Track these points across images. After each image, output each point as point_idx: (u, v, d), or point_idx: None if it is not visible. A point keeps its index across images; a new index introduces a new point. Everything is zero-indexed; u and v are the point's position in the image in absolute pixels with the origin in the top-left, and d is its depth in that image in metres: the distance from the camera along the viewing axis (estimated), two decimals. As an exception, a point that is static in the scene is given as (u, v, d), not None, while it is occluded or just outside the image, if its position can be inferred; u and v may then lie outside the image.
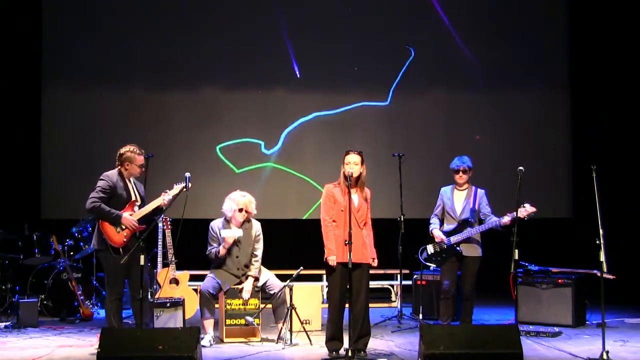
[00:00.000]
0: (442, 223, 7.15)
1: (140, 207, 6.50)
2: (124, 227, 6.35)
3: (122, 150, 6.53)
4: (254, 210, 7.16)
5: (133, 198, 6.50)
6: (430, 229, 7.15)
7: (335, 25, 10.36)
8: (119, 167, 6.53)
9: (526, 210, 6.71)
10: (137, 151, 6.53)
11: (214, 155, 10.21)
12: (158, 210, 6.52)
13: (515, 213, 6.68)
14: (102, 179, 6.44)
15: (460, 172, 7.05)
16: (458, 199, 7.09)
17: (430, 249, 7.14)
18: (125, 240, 6.35)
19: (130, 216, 6.37)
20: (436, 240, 7.07)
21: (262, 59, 10.26)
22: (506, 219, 6.80)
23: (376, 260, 6.25)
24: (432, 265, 7.43)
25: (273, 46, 10.26)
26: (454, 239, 6.96)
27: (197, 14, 10.26)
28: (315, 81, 10.32)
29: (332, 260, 6.09)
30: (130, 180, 6.56)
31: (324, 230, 6.19)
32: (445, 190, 7.20)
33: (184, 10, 10.25)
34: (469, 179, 7.13)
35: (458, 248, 6.95)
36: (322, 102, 10.34)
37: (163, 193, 6.49)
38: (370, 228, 6.30)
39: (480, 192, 7.10)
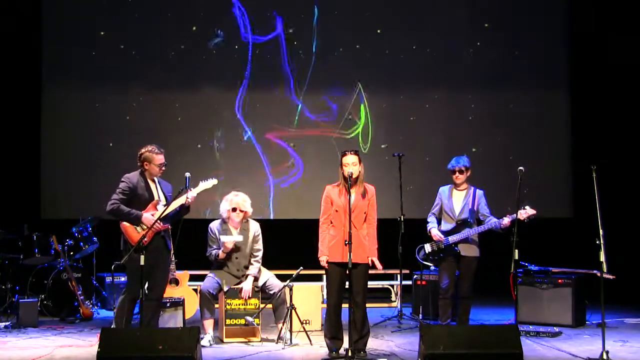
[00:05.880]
0: (439, 222, 7.15)
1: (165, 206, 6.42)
2: (145, 227, 6.30)
3: (142, 151, 6.49)
4: (249, 208, 7.14)
5: (155, 198, 6.45)
6: (428, 228, 7.14)
7: (333, 25, 10.37)
8: (141, 167, 6.49)
9: (526, 212, 6.70)
10: (156, 150, 6.46)
11: (214, 156, 10.20)
12: (185, 209, 6.46)
13: (515, 215, 6.68)
14: (122, 181, 6.43)
15: (457, 172, 7.03)
16: (457, 199, 7.08)
17: (427, 247, 7.12)
18: (146, 239, 6.24)
19: (152, 216, 6.32)
20: (434, 239, 7.06)
21: (262, 59, 10.26)
22: (506, 221, 6.79)
23: (372, 260, 6.20)
24: (432, 266, 7.40)
25: (273, 46, 10.26)
26: (452, 238, 6.95)
27: (196, 13, 10.25)
28: (316, 81, 10.30)
29: (322, 260, 6.18)
30: (154, 180, 6.52)
31: (319, 232, 6.25)
32: (444, 190, 7.18)
33: (184, 10, 10.23)
34: (467, 179, 7.12)
35: (456, 248, 6.95)
36: (323, 101, 10.35)
37: (187, 191, 6.40)
38: (373, 226, 6.27)
39: (479, 192, 7.09)
